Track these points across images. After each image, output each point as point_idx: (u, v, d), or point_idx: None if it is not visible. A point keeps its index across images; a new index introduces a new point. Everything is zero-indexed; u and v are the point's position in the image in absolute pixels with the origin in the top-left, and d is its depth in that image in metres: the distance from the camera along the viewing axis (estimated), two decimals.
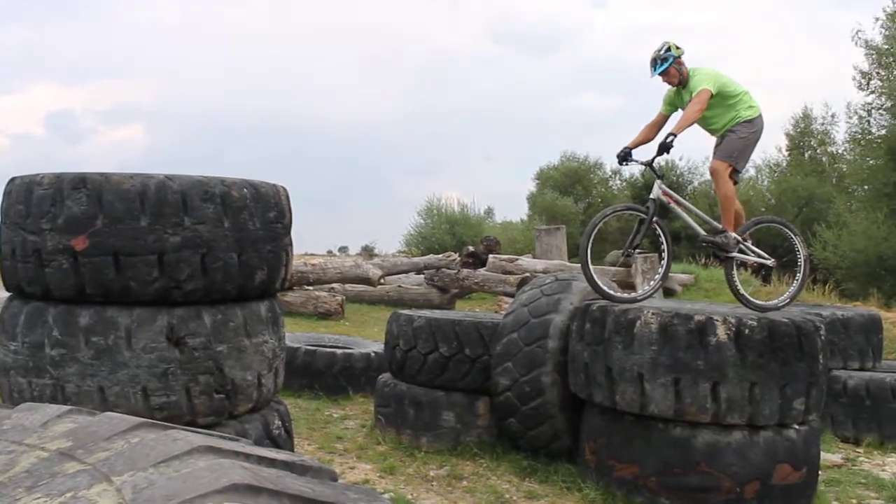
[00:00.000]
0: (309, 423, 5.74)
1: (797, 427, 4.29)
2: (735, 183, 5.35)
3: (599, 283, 4.75)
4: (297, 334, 7.94)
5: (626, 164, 5.36)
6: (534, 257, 15.73)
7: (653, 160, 5.22)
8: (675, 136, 5.09)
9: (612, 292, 4.79)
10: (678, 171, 30.35)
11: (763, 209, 26.98)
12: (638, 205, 5.29)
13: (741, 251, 5.22)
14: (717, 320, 4.14)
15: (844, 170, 28.02)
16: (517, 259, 14.60)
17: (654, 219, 4.96)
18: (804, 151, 30.30)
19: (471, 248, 17.09)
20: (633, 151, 5.30)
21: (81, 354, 3.21)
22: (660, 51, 5.33)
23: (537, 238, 16.43)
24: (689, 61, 5.33)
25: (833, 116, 29.06)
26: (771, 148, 32.74)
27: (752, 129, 5.31)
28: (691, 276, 15.36)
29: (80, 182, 3.23)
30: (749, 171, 29.98)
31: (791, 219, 25.08)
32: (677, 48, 5.31)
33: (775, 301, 5.18)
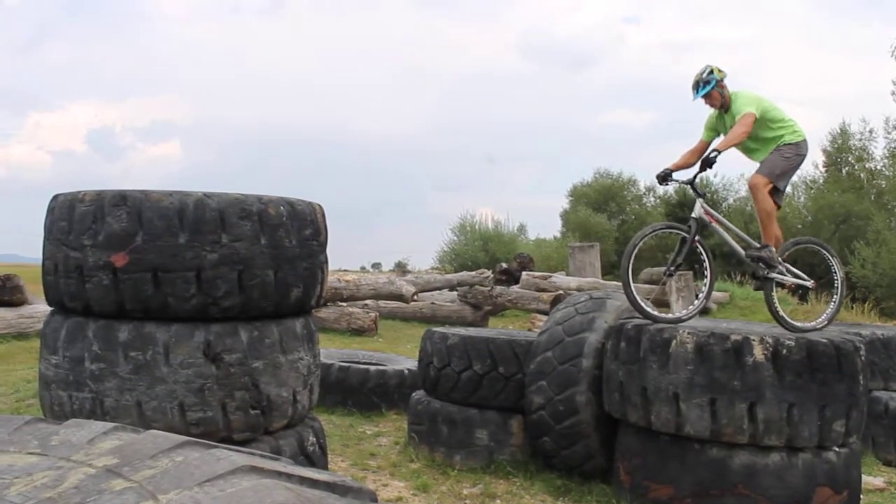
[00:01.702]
0: (342, 440, 5.75)
1: (837, 449, 4.22)
2: (778, 207, 5.31)
3: (642, 303, 4.72)
4: (331, 350, 7.96)
5: (667, 185, 5.37)
6: (567, 274, 15.68)
7: (694, 178, 5.21)
8: (719, 153, 5.08)
9: (655, 313, 4.75)
10: (713, 189, 30.05)
11: (800, 226, 26.63)
12: (678, 223, 5.26)
13: (780, 272, 5.17)
14: (753, 340, 4.09)
15: (883, 186, 27.62)
16: (550, 276, 14.57)
17: (697, 238, 4.93)
18: (841, 168, 29.88)
19: (504, 265, 17.06)
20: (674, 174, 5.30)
21: (120, 369, 3.26)
22: (702, 73, 5.33)
23: (571, 255, 16.37)
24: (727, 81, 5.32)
25: (871, 132, 28.66)
26: (808, 164, 32.41)
27: (798, 151, 5.30)
28: (727, 294, 15.20)
29: (121, 199, 3.28)
30: None
31: (828, 236, 24.77)
32: (720, 71, 5.32)
33: (813, 322, 5.11)
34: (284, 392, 3.50)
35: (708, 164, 5.10)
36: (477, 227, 28.90)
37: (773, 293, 5.10)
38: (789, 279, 5.21)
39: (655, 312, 4.76)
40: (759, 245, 5.21)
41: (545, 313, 11.67)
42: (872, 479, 5.41)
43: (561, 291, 12.90)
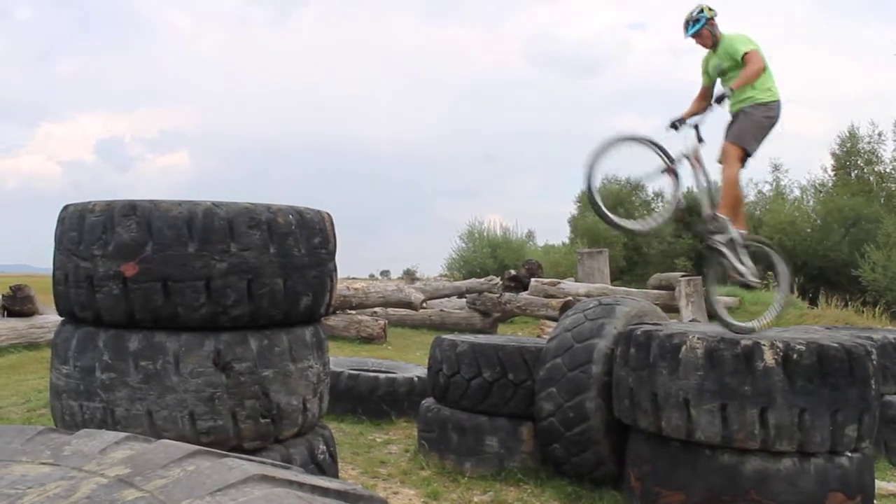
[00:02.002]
0: (352, 448, 5.75)
1: (850, 454, 4.19)
2: (743, 167, 5.18)
3: (609, 214, 4.63)
4: (341, 358, 7.97)
5: (678, 130, 5.15)
6: (576, 280, 15.66)
7: (698, 122, 5.10)
8: (733, 91, 4.99)
9: (616, 220, 4.68)
10: None
11: (809, 230, 26.53)
12: (661, 146, 4.92)
13: (721, 244, 4.97)
14: (764, 345, 4.08)
15: (893, 189, 27.52)
16: (559, 282, 14.54)
17: (673, 168, 4.81)
18: (850, 171, 29.78)
19: (513, 272, 17.06)
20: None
21: (130, 378, 3.26)
22: (693, 12, 5.26)
23: (579, 261, 16.35)
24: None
25: (880, 135, 28.54)
26: (816, 168, 32.30)
27: (768, 113, 5.15)
28: (736, 300, 15.14)
29: (131, 209, 3.30)
30: (794, 191, 29.60)
31: (838, 240, 24.69)
32: (710, 9, 5.23)
33: (752, 322, 4.96)
34: (294, 400, 3.51)
35: (720, 99, 5.00)
36: (485, 233, 28.91)
37: (713, 270, 4.95)
38: (735, 262, 4.97)
39: (616, 219, 4.69)
40: (711, 213, 5.02)
41: (554, 319, 11.66)
42: (886, 484, 5.38)
43: (570, 298, 12.88)
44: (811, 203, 29.56)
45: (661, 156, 4.90)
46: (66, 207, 3.56)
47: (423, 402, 5.77)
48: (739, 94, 5.15)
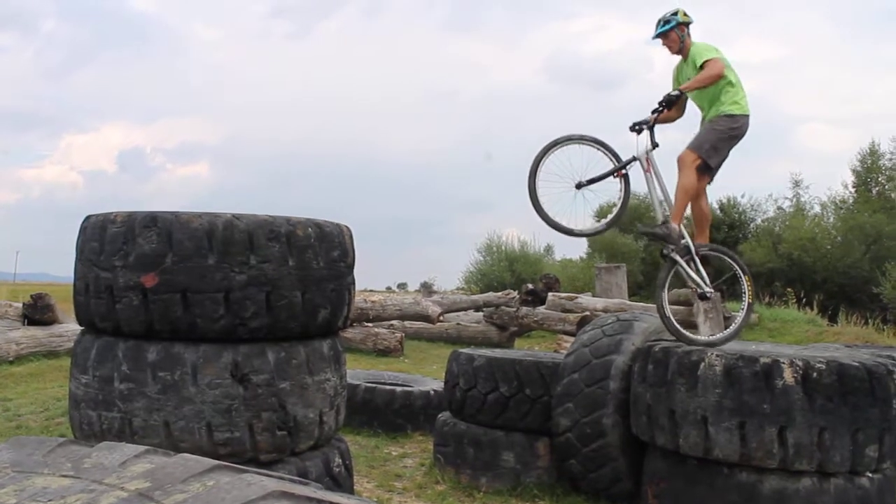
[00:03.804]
0: (368, 461, 5.75)
1: (870, 475, 4.15)
2: (709, 181, 5.11)
3: (547, 212, 4.67)
4: (357, 371, 7.97)
5: (639, 133, 4.95)
6: (593, 295, 15.59)
7: (654, 123, 4.96)
8: (682, 93, 4.95)
9: (553, 219, 4.70)
10: (740, 209, 29.78)
11: (829, 247, 26.28)
12: (611, 148, 4.90)
13: (681, 255, 4.88)
14: (783, 363, 4.04)
15: None
16: (577, 297, 14.49)
17: (624, 172, 4.80)
18: (871, 188, 29.52)
19: (530, 286, 17.00)
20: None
21: (149, 389, 3.28)
22: (667, 13, 5.20)
23: (597, 276, 16.28)
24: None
25: None
26: (837, 184, 32.04)
27: (733, 125, 5.03)
28: (755, 316, 15.04)
29: (151, 221, 3.32)
30: (814, 207, 29.34)
31: (859, 257, 24.41)
32: (686, 15, 5.17)
33: (712, 336, 4.87)
34: (311, 413, 3.51)
35: (668, 102, 4.93)
36: (503, 247, 28.90)
37: (667, 281, 4.83)
38: (690, 272, 4.90)
39: (559, 222, 4.71)
40: (663, 220, 4.94)
41: (571, 334, 11.62)
42: None
43: (587, 313, 12.84)
44: (831, 219, 29.31)
45: (609, 157, 4.87)
46: (88, 218, 3.60)
47: (440, 415, 5.76)
48: (709, 107, 5.11)
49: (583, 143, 4.79)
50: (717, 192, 29.59)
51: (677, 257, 4.86)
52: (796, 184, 29.92)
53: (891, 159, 28.79)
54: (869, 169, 29.14)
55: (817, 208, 29.49)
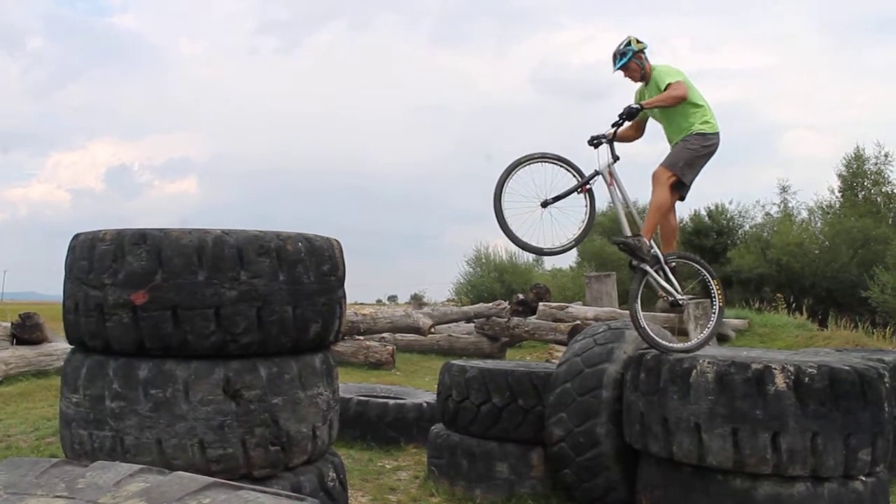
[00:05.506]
0: (362, 475, 5.72)
1: (864, 479, 4.16)
2: (681, 199, 5.19)
3: (516, 234, 4.70)
4: (349, 385, 7.95)
5: (596, 147, 5.01)
6: (584, 304, 15.60)
7: (614, 137, 5.00)
8: (642, 108, 5.01)
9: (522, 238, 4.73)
10: (729, 216, 29.88)
11: (817, 251, 26.40)
12: (574, 164, 4.93)
13: (658, 271, 4.95)
14: (775, 368, 4.05)
15: None
16: (567, 306, 14.50)
17: (588, 187, 4.83)
18: (857, 192, 29.66)
19: (520, 296, 17.01)
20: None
21: (140, 407, 3.26)
22: (621, 45, 5.25)
23: (587, 285, 16.30)
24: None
25: (886, 156, 28.44)
26: (823, 189, 32.20)
27: (706, 143, 5.12)
28: (745, 322, 15.08)
29: (141, 238, 3.31)
30: (802, 213, 29.49)
31: (847, 261, 24.55)
32: (638, 42, 5.22)
33: (685, 343, 4.90)
34: (304, 428, 3.50)
35: (628, 115, 4.97)
36: (492, 258, 28.94)
37: (639, 289, 4.86)
38: (661, 281, 4.96)
39: (525, 241, 4.73)
40: (631, 233, 4.99)
41: (563, 344, 11.62)
42: None
43: (578, 321, 12.84)
44: (819, 224, 29.46)
45: (573, 174, 4.90)
46: (76, 236, 3.58)
47: (433, 427, 5.74)
48: (679, 127, 5.18)
49: (544, 162, 4.82)
50: (706, 199, 29.76)
51: (647, 268, 4.92)
52: (784, 189, 30.12)
53: (876, 164, 28.98)
54: (855, 173, 29.33)
55: (805, 214, 29.69)
